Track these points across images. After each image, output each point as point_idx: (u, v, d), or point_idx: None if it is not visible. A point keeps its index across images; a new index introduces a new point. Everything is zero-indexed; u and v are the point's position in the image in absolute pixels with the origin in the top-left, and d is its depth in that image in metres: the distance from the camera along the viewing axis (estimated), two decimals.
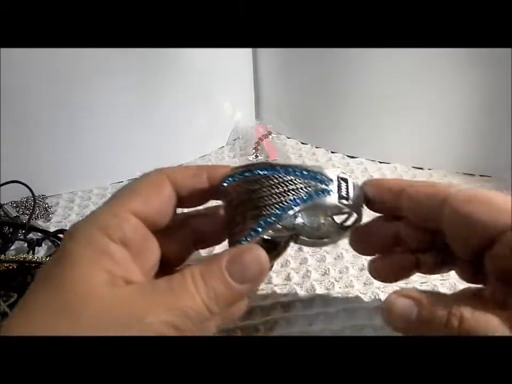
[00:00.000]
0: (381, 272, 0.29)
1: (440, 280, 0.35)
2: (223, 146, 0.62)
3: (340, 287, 0.36)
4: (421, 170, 0.53)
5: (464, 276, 0.27)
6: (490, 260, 0.23)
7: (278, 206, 0.24)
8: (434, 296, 0.23)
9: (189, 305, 0.21)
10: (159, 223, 0.26)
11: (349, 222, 0.29)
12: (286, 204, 0.24)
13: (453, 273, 0.28)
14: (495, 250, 0.22)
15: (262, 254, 0.23)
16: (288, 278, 0.37)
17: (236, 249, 0.23)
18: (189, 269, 0.22)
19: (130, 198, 0.24)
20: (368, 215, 0.29)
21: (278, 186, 0.24)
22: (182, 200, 0.27)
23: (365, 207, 0.28)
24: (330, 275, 0.37)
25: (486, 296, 0.24)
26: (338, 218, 0.30)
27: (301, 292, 0.36)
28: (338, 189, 0.25)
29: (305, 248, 0.40)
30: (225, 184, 0.26)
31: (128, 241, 0.23)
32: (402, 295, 0.23)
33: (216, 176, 0.26)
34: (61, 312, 0.19)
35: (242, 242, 0.24)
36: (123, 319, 0.19)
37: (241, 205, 0.25)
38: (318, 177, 0.25)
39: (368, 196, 0.28)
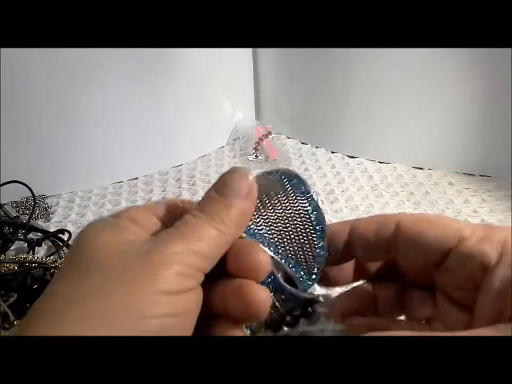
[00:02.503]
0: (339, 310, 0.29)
1: None
2: (223, 146, 0.62)
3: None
4: (421, 170, 0.53)
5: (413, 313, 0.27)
6: (440, 279, 0.24)
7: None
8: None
9: (204, 235, 0.21)
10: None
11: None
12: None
13: None
14: (444, 266, 0.23)
15: (244, 171, 0.23)
16: None
17: (222, 175, 0.24)
18: (187, 213, 0.22)
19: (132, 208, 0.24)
20: None
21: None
22: None
23: None
24: None
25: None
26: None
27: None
28: None
29: None
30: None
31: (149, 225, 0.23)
32: None
33: None
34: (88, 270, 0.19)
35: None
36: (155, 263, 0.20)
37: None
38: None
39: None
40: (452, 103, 0.48)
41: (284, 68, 0.59)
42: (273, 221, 0.25)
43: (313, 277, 0.25)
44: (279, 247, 0.25)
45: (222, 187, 0.23)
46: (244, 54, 0.60)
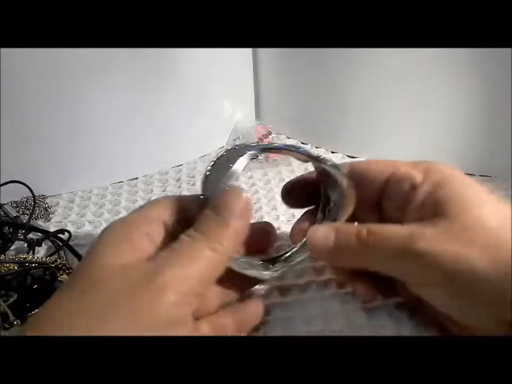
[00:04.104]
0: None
1: None
2: (223, 146, 0.62)
3: None
4: None
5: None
6: (384, 205, 0.30)
7: None
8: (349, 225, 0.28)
9: (200, 256, 0.22)
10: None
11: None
12: None
13: None
14: (386, 193, 0.29)
15: (240, 190, 0.25)
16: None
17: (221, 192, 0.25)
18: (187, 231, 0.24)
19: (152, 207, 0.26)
20: None
21: None
22: None
23: None
24: None
25: None
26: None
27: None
28: None
29: None
30: None
31: (154, 236, 0.24)
32: (322, 225, 0.29)
33: None
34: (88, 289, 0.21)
35: None
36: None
37: None
38: None
39: None
40: (452, 103, 0.48)
41: (284, 68, 0.59)
42: None
43: None
44: None
45: (217, 206, 0.24)
46: (244, 54, 0.60)
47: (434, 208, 0.25)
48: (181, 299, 0.21)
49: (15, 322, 0.32)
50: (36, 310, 0.22)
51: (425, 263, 0.23)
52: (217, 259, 0.23)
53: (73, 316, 0.20)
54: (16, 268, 0.36)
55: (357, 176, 0.30)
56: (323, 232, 0.27)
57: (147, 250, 0.23)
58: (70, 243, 0.42)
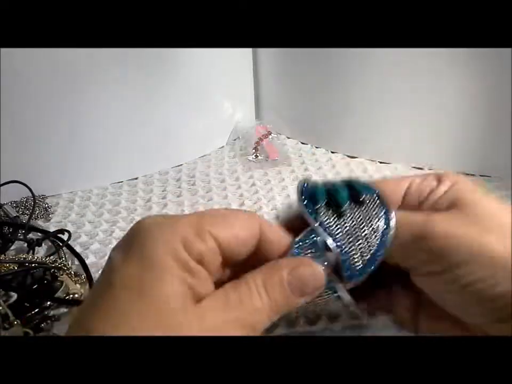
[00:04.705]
0: None
1: None
2: (223, 146, 0.62)
3: None
4: (421, 170, 0.53)
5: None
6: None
7: None
8: None
9: (257, 320, 0.22)
10: (234, 258, 0.25)
11: None
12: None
13: None
14: (403, 205, 0.28)
15: (320, 270, 0.24)
16: None
17: (296, 261, 0.24)
18: (252, 279, 0.23)
19: (215, 221, 0.24)
20: None
21: None
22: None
23: None
24: None
25: None
26: None
27: None
28: None
29: None
30: None
31: (204, 262, 0.23)
32: None
33: None
34: (157, 327, 0.20)
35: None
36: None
37: None
38: None
39: None
40: (452, 103, 0.48)
41: (284, 68, 0.60)
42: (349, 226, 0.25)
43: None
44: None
45: (297, 280, 0.23)
46: (244, 54, 0.60)
47: (448, 204, 0.26)
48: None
49: (15, 322, 0.32)
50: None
51: (443, 244, 0.24)
52: (266, 326, 0.23)
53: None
54: (16, 268, 0.36)
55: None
56: None
57: (202, 284, 0.22)
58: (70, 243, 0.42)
